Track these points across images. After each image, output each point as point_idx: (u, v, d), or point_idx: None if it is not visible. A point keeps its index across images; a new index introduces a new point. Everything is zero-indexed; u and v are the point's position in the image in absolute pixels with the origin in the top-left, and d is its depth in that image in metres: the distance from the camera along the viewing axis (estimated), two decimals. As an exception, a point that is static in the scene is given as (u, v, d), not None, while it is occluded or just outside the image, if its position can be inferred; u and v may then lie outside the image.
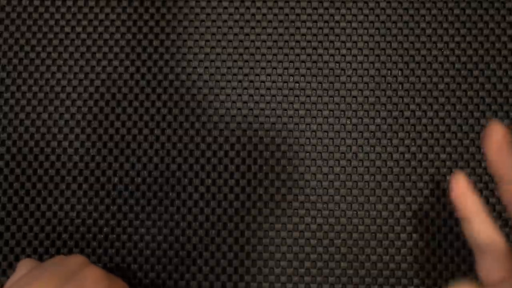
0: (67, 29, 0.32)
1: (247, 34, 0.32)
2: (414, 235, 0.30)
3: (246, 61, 0.32)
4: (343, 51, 0.32)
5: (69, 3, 0.32)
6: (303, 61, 0.32)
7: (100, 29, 0.32)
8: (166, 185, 0.31)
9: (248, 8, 0.32)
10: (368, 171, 0.31)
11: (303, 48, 0.32)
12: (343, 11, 0.32)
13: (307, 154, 0.31)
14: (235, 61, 0.32)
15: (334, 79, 0.32)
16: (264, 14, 0.32)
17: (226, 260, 0.30)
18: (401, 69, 0.32)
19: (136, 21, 0.32)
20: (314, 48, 0.32)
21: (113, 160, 0.31)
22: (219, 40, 0.32)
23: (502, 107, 0.31)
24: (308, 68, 0.32)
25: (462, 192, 0.23)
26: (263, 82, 0.32)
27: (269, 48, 0.32)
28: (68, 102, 0.32)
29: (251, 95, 0.32)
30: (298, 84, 0.32)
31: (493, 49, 0.32)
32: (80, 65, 0.32)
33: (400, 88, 0.31)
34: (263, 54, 0.32)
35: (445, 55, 0.32)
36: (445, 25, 0.32)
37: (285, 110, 0.31)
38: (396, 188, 0.31)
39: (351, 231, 0.30)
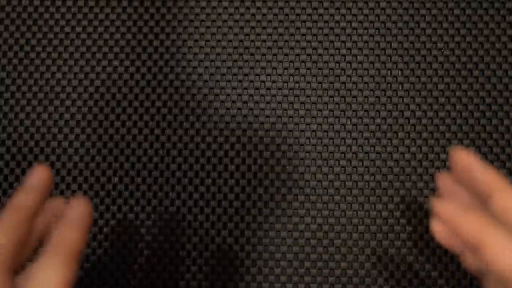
0: (67, 29, 0.32)
1: (247, 34, 0.32)
2: (414, 235, 0.30)
3: (246, 61, 0.32)
4: (343, 51, 0.32)
5: (69, 3, 0.32)
6: (303, 61, 0.32)
7: (100, 29, 0.32)
8: (166, 185, 0.31)
9: (248, 8, 0.32)
10: (368, 171, 0.31)
11: (303, 48, 0.32)
12: (343, 11, 0.32)
13: (307, 154, 0.31)
14: (235, 61, 0.32)
15: (334, 79, 0.32)
16: (264, 14, 0.32)
17: (226, 260, 0.30)
18: (401, 69, 0.32)
19: (136, 21, 0.32)
20: (314, 48, 0.32)
21: (113, 160, 0.31)
22: (219, 40, 0.32)
23: (502, 107, 0.31)
24: (308, 68, 0.32)
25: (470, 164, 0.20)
26: (263, 82, 0.32)
27: (269, 48, 0.32)
28: (68, 102, 0.32)
29: (251, 95, 0.32)
30: (298, 84, 0.32)
31: (493, 49, 0.32)
32: (80, 65, 0.32)
33: (400, 88, 0.31)
34: (263, 54, 0.32)
35: (445, 55, 0.32)
36: (445, 25, 0.32)
37: (285, 110, 0.31)
38: (396, 188, 0.31)
39: (351, 231, 0.30)
